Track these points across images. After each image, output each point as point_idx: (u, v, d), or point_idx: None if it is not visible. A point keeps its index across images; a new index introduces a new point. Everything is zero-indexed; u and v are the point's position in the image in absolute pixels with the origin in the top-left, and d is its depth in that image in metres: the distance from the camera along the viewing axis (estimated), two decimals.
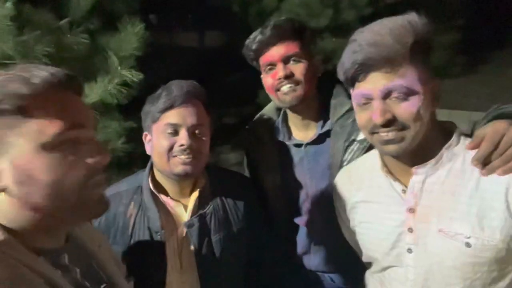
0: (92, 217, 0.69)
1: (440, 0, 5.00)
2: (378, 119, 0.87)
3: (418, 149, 0.90)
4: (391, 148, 0.90)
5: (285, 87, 1.25)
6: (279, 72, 1.25)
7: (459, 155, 0.91)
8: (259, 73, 1.36)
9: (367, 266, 1.15)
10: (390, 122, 0.88)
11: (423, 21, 0.87)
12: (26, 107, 0.64)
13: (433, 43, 0.90)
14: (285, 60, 1.25)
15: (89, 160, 0.67)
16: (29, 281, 0.61)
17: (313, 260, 1.44)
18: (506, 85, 5.37)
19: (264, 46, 1.26)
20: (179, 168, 1.11)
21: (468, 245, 0.86)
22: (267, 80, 1.30)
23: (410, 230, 0.94)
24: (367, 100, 0.90)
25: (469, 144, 0.90)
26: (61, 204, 0.65)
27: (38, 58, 2.19)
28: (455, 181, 0.90)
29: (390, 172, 0.99)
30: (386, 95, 0.88)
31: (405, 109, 0.87)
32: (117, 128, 2.73)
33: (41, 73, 0.66)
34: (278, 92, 1.28)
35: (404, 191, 0.96)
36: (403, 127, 0.88)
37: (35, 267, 0.63)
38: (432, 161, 0.92)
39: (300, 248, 1.45)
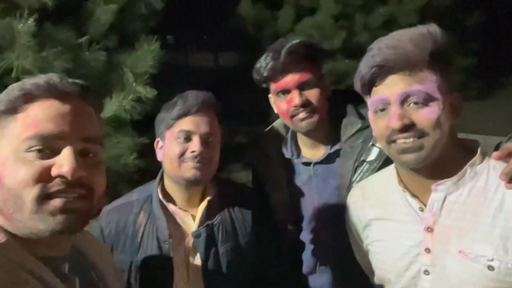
0: (50, 229, 0.62)
1: (455, 24, 5.00)
2: (396, 124, 0.84)
3: (438, 163, 0.87)
4: (410, 157, 0.86)
5: (302, 114, 1.24)
6: (294, 99, 1.23)
7: (482, 174, 0.88)
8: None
9: None
10: (408, 128, 0.84)
11: (442, 32, 0.85)
12: (13, 110, 0.66)
13: (453, 58, 0.88)
14: (300, 87, 1.23)
15: (52, 170, 0.64)
16: (28, 286, 0.60)
17: (319, 281, 1.40)
18: None
19: (278, 73, 1.24)
20: (190, 173, 1.13)
21: (490, 268, 0.81)
22: (281, 105, 1.28)
23: (428, 250, 0.90)
24: (384, 105, 0.88)
25: (497, 153, 0.85)
26: (20, 211, 0.63)
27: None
28: (477, 201, 0.86)
29: (407, 188, 0.95)
30: (404, 100, 0.85)
31: (425, 116, 0.84)
32: (129, 144, 2.75)
33: (38, 80, 0.68)
34: (294, 118, 1.26)
35: (421, 209, 0.92)
36: (422, 134, 0.85)
37: (35, 272, 0.62)
38: (454, 178, 0.88)
39: (305, 267, 1.41)
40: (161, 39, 2.76)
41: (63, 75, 0.72)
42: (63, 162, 0.64)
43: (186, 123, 1.14)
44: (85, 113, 0.71)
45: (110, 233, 1.18)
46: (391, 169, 1.03)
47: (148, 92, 2.62)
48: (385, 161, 1.17)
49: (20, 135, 0.64)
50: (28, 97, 0.67)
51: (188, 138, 1.14)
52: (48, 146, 0.65)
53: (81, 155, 0.67)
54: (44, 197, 0.63)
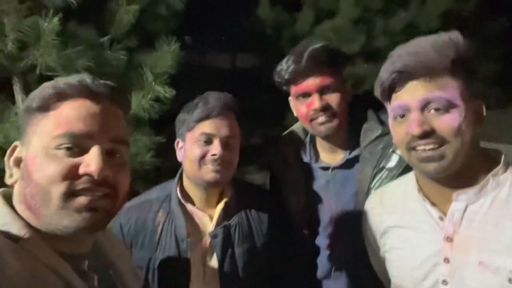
0: (75, 226, 0.64)
1: (477, 30, 4.91)
2: (415, 130, 0.83)
3: (460, 172, 0.86)
4: (431, 167, 0.85)
5: (321, 118, 1.24)
6: (314, 103, 1.23)
7: (504, 185, 0.86)
8: (288, 95, 1.35)
9: None
10: (428, 134, 0.83)
11: (464, 40, 0.84)
12: (45, 107, 0.68)
13: (476, 65, 0.87)
14: (321, 91, 1.23)
15: (80, 169, 0.66)
16: (48, 282, 0.61)
17: (333, 286, 1.38)
18: None
19: (299, 76, 1.24)
20: (210, 176, 1.14)
21: (511, 281, 0.80)
22: (301, 108, 1.28)
23: (447, 260, 0.88)
24: (405, 112, 0.87)
25: None
26: (46, 206, 0.64)
27: (79, 72, 2.30)
28: (499, 212, 0.84)
29: (427, 196, 0.94)
30: (425, 106, 0.84)
31: (445, 123, 0.83)
32: (146, 142, 2.80)
33: (71, 80, 0.70)
34: (313, 122, 1.26)
35: (441, 218, 0.91)
36: (442, 142, 0.83)
37: (56, 268, 0.63)
38: (476, 187, 0.87)
39: (320, 272, 1.40)
40: (180, 40, 2.80)
41: (87, 74, 0.74)
42: (91, 161, 0.66)
43: (207, 126, 1.15)
44: (113, 115, 0.73)
45: (130, 230, 1.20)
46: (410, 176, 1.02)
47: (166, 92, 2.66)
48: (405, 169, 1.16)
49: (51, 133, 0.66)
50: (61, 96, 0.69)
51: (208, 141, 1.15)
52: (77, 145, 0.66)
53: (108, 155, 0.69)
54: (70, 194, 0.64)
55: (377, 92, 0.95)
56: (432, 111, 0.84)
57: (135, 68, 2.74)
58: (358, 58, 4.30)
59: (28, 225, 0.65)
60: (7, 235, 0.62)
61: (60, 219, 0.64)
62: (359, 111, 1.33)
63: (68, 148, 0.66)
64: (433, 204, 0.93)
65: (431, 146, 0.84)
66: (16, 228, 0.64)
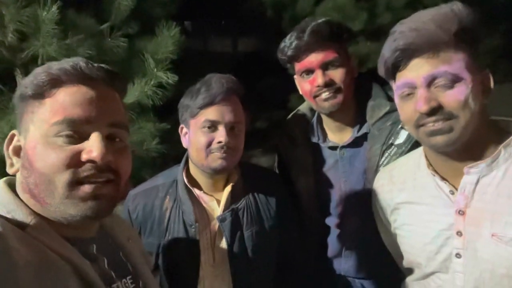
0: (81, 214, 0.64)
1: (482, 5, 4.79)
2: (423, 107, 0.82)
3: (469, 145, 0.84)
4: (440, 139, 0.84)
5: (325, 94, 1.22)
6: (318, 79, 1.21)
7: None
8: (292, 78, 1.33)
9: (406, 273, 1.09)
10: (435, 111, 0.82)
11: (467, 10, 0.82)
12: (40, 95, 0.66)
13: (481, 34, 0.84)
14: (324, 67, 1.21)
15: (82, 155, 0.65)
16: (57, 267, 0.62)
17: (344, 265, 1.39)
18: None
19: (302, 52, 1.22)
20: (216, 163, 1.13)
21: None
22: (305, 85, 1.27)
23: (459, 233, 0.88)
24: (411, 89, 0.86)
25: None
26: (52, 194, 0.64)
27: None
28: (511, 183, 0.83)
29: (436, 171, 0.93)
30: (430, 82, 0.83)
31: (452, 97, 0.81)
32: (151, 129, 2.80)
33: (65, 65, 0.68)
34: (317, 99, 1.25)
35: (452, 192, 0.90)
36: (451, 116, 0.82)
37: (64, 253, 0.63)
38: (488, 160, 0.85)
39: (331, 251, 1.41)
40: (180, 26, 2.77)
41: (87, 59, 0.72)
42: (93, 147, 0.65)
43: (211, 113, 1.12)
44: (111, 98, 0.71)
45: (138, 217, 1.20)
46: (419, 151, 1.01)
47: (169, 78, 2.64)
48: (414, 145, 1.15)
49: (49, 120, 0.65)
50: (56, 82, 0.67)
51: (213, 127, 1.13)
52: (76, 131, 0.65)
53: (108, 140, 0.68)
54: (74, 183, 0.64)
55: (381, 71, 0.93)
56: (439, 86, 0.82)
57: (136, 54, 2.71)
58: (361, 37, 4.23)
59: (34, 212, 0.65)
60: (13, 222, 0.62)
61: (65, 208, 0.64)
62: (366, 88, 1.31)
63: (67, 136, 0.65)
64: (443, 178, 0.92)
65: (440, 123, 0.83)
66: (22, 215, 0.64)
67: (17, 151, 0.69)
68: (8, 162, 0.69)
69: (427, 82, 0.83)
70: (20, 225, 0.62)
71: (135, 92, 2.57)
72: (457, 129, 0.82)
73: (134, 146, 2.66)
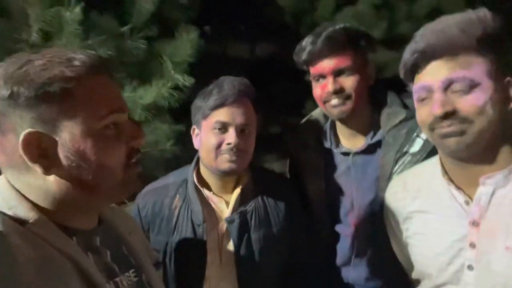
0: (131, 192, 0.73)
1: (510, 12, 4.69)
2: (437, 111, 0.82)
3: (487, 154, 0.83)
4: (452, 141, 0.83)
5: (334, 101, 1.22)
6: (328, 85, 1.21)
7: None
8: (308, 84, 1.33)
9: (416, 283, 1.07)
10: (450, 115, 0.81)
11: (493, 17, 0.81)
12: (72, 90, 0.64)
13: (507, 41, 0.83)
14: (336, 73, 1.21)
15: (130, 142, 0.70)
16: (57, 263, 0.62)
17: (353, 273, 1.37)
18: None
19: (315, 57, 1.22)
20: (226, 165, 1.14)
21: None
22: (316, 90, 1.27)
23: (473, 245, 0.86)
24: (428, 93, 0.85)
25: None
26: (108, 182, 0.68)
27: None
28: None
29: (451, 180, 0.91)
30: (447, 86, 0.82)
31: (469, 102, 0.80)
32: (167, 131, 2.83)
33: (78, 56, 0.67)
34: (326, 104, 1.25)
35: (467, 203, 0.88)
36: (465, 121, 0.81)
37: (64, 249, 0.64)
38: (505, 170, 0.83)
39: (340, 258, 1.39)
40: (199, 29, 2.80)
41: (77, 49, 0.73)
42: (135, 134, 0.71)
43: (222, 114, 1.13)
44: (115, 85, 0.73)
45: (147, 214, 1.22)
46: (435, 160, 0.99)
47: (186, 80, 2.67)
48: (429, 154, 1.12)
49: (94, 115, 0.66)
50: (77, 81, 0.65)
51: (224, 129, 1.14)
52: (114, 122, 0.69)
53: None
54: (128, 167, 0.71)
55: (402, 74, 0.93)
56: (456, 91, 0.81)
57: (155, 57, 2.76)
58: (380, 45, 4.19)
59: (35, 207, 0.65)
60: (14, 218, 0.62)
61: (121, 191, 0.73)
62: (380, 95, 1.30)
63: (113, 126, 0.68)
64: (458, 188, 0.90)
65: (453, 126, 0.82)
66: (23, 211, 0.63)
67: (45, 153, 0.64)
68: (40, 166, 0.63)
69: (444, 86, 0.82)
70: (21, 221, 0.62)
71: (152, 93, 2.61)
72: (470, 133, 0.81)
73: (149, 146, 2.69)
